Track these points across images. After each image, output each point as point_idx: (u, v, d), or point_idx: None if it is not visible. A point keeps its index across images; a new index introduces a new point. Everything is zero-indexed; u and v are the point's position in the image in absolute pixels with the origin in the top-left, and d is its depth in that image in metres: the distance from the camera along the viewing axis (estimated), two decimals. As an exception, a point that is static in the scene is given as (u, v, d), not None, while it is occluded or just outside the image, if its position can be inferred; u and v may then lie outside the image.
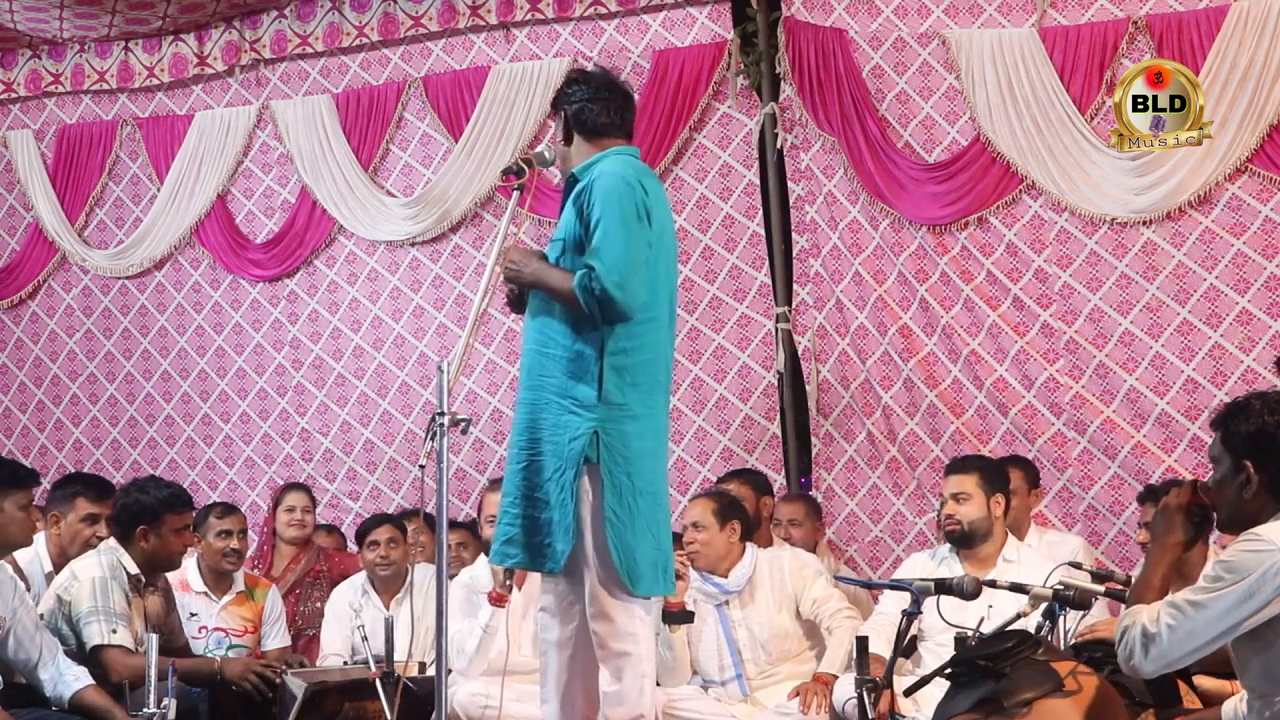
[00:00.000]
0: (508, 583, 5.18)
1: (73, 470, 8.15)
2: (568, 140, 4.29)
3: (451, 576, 5.22)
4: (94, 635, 4.98)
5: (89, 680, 4.70)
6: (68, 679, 4.67)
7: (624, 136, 4.31)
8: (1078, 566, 4.26)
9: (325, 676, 5.31)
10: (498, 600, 5.15)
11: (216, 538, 6.02)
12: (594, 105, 4.26)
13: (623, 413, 4.05)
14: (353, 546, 7.56)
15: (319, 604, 6.56)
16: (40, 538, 5.65)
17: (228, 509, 6.25)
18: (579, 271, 4.02)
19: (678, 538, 5.52)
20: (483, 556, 5.77)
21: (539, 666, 4.34)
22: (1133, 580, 3.63)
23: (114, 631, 4.99)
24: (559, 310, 4.10)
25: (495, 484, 6.01)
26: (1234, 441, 3.28)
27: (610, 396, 4.03)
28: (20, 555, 5.52)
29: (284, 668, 5.28)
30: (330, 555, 6.99)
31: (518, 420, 4.19)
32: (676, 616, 5.28)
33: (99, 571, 5.08)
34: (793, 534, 6.49)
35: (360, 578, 6.32)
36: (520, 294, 4.28)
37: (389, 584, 6.23)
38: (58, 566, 5.38)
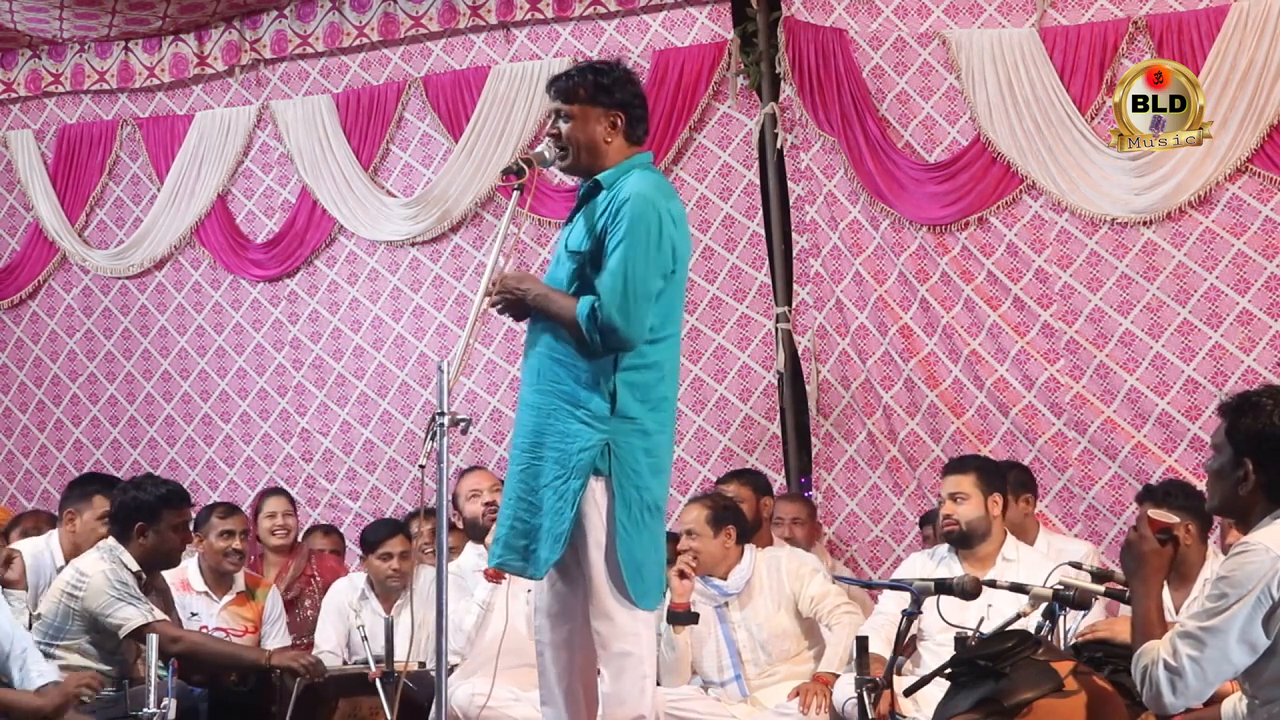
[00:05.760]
0: None
1: (73, 470, 8.17)
2: (606, 139, 4.09)
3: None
4: (134, 615, 5.05)
5: (53, 677, 4.71)
6: (31, 675, 4.67)
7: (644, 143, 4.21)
8: (1078, 566, 4.26)
9: (321, 674, 5.31)
10: (495, 576, 5.03)
11: (218, 538, 6.02)
12: (640, 110, 4.15)
13: (634, 427, 3.99)
14: (352, 548, 7.57)
15: (311, 612, 6.46)
16: (54, 533, 5.68)
17: (230, 509, 6.25)
18: (583, 299, 3.94)
19: (676, 538, 5.52)
20: (470, 545, 5.75)
21: (536, 666, 4.30)
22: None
23: (151, 610, 5.04)
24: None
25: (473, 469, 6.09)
26: (1237, 436, 3.25)
27: (624, 410, 3.97)
28: (27, 547, 5.56)
29: (321, 677, 5.18)
30: (323, 559, 6.85)
31: (522, 423, 4.10)
32: (681, 617, 5.28)
33: (106, 565, 5.12)
34: (795, 533, 6.49)
35: (359, 579, 6.20)
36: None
37: (393, 591, 6.10)
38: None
